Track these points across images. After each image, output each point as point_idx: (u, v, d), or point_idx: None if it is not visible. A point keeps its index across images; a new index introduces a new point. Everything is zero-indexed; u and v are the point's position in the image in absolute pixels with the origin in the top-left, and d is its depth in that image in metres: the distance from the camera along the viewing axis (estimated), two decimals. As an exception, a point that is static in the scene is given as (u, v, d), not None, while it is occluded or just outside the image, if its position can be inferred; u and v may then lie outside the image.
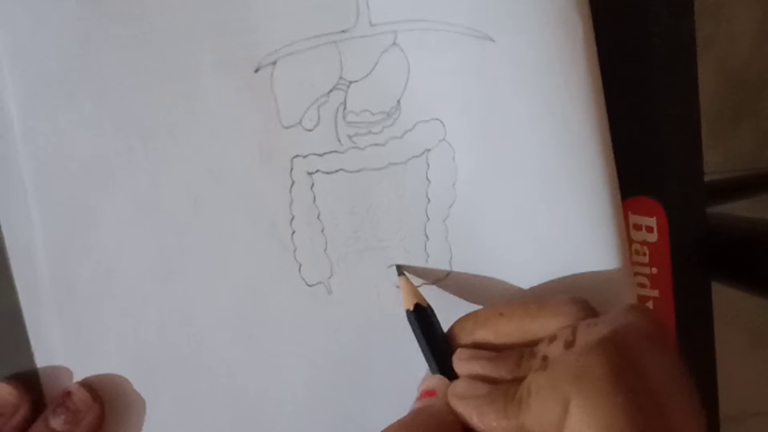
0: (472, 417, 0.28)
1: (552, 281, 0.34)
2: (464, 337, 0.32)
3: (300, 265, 0.34)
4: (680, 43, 0.37)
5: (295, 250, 0.34)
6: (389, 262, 0.35)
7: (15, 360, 0.33)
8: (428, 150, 0.34)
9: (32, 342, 0.33)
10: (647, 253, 0.38)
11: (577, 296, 0.31)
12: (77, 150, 0.32)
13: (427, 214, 0.35)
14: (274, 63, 0.33)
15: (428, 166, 0.34)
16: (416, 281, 0.34)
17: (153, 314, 0.33)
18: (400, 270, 0.34)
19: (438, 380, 0.31)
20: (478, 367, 0.30)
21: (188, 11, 0.32)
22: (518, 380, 0.28)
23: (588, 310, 0.30)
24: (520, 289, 0.34)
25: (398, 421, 0.29)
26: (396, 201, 0.34)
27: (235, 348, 0.34)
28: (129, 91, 0.32)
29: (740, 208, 0.74)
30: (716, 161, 1.02)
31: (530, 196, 0.34)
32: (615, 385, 0.25)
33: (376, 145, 0.34)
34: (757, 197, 0.81)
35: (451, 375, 0.31)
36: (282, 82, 0.33)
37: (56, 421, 0.32)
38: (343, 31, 0.33)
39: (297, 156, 0.34)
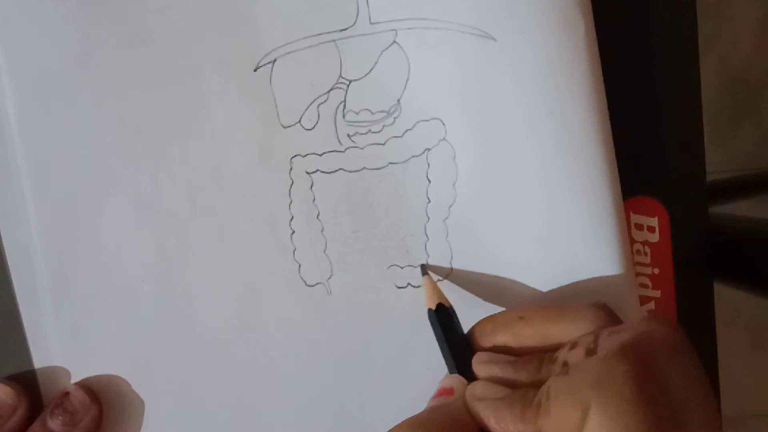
0: (489, 419, 0.28)
1: (554, 279, 0.34)
2: (484, 340, 0.32)
3: (299, 266, 0.34)
4: (682, 43, 0.37)
5: (294, 251, 0.34)
6: (389, 262, 0.34)
7: (13, 361, 0.33)
8: (428, 149, 0.34)
9: (30, 343, 0.33)
10: (649, 253, 0.38)
11: (599, 302, 0.31)
12: (76, 150, 0.32)
13: (427, 214, 0.34)
14: (273, 62, 0.33)
15: (428, 165, 0.34)
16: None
17: (151, 315, 0.33)
18: (424, 269, 0.34)
19: (456, 380, 0.31)
20: (498, 371, 0.30)
21: (188, 11, 0.32)
22: (537, 385, 0.28)
23: (611, 317, 0.30)
24: (524, 286, 0.34)
25: (414, 417, 0.29)
26: (396, 201, 0.34)
27: (234, 348, 0.34)
28: (128, 91, 0.32)
29: (741, 208, 0.74)
30: (717, 161, 1.01)
31: (531, 195, 0.34)
32: (636, 393, 0.25)
33: (376, 144, 0.34)
34: (758, 197, 0.81)
35: (469, 376, 0.31)
36: (281, 81, 0.33)
37: (54, 422, 0.32)
38: (342, 30, 0.33)
39: (296, 155, 0.34)
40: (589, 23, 0.33)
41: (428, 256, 0.35)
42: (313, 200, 0.34)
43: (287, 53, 0.33)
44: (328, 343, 0.34)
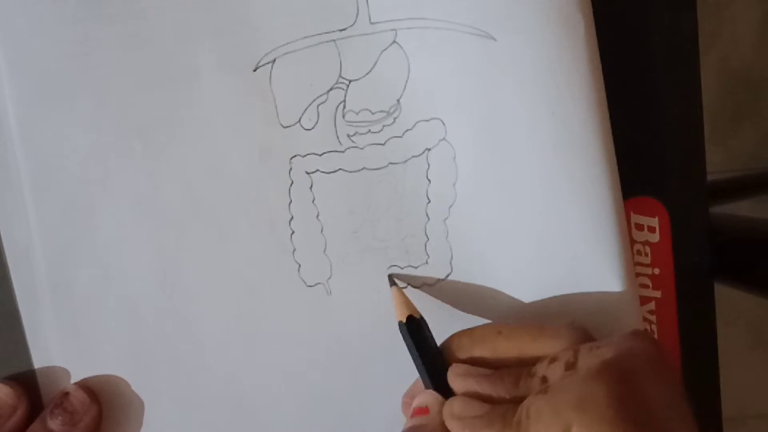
0: None
1: (554, 279, 0.34)
2: (460, 353, 0.31)
3: (299, 266, 0.34)
4: (682, 43, 0.37)
5: (294, 251, 0.34)
6: (389, 262, 0.34)
7: (12, 361, 0.33)
8: (428, 149, 0.34)
9: (30, 343, 0.33)
10: (649, 253, 0.38)
11: (577, 322, 0.31)
12: (76, 150, 0.32)
13: (427, 214, 0.34)
14: (273, 62, 0.33)
15: (428, 165, 0.34)
16: (416, 281, 0.34)
17: (151, 315, 0.33)
18: (392, 280, 0.34)
19: (431, 397, 0.31)
20: (475, 384, 0.30)
21: (187, 10, 0.32)
22: (516, 400, 0.28)
23: (587, 337, 0.30)
24: (514, 300, 0.34)
25: None
26: (396, 201, 0.34)
27: (234, 348, 0.34)
28: (128, 91, 0.32)
29: (741, 208, 0.74)
30: (717, 161, 1.01)
31: (531, 195, 0.34)
32: (618, 413, 0.25)
33: (376, 144, 0.34)
34: (758, 197, 0.81)
35: (444, 391, 0.31)
36: (281, 81, 0.33)
37: (54, 422, 0.32)
38: (342, 30, 0.33)
39: (296, 155, 0.33)
40: (589, 23, 0.33)
41: (428, 256, 0.35)
42: (313, 200, 0.34)
43: (287, 53, 0.33)
44: (328, 343, 0.34)
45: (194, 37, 0.32)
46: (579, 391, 0.26)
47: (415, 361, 0.32)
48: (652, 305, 0.38)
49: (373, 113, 0.34)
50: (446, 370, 0.31)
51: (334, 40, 0.33)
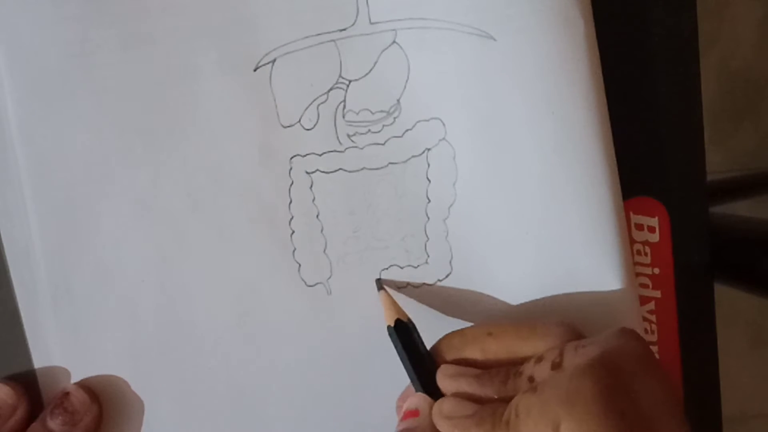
0: None
1: (553, 279, 0.34)
2: (450, 354, 0.32)
3: (299, 266, 0.34)
4: (682, 43, 0.37)
5: (294, 251, 0.34)
6: (389, 262, 0.34)
7: (13, 361, 0.33)
8: (428, 149, 0.34)
9: (30, 342, 0.33)
10: (649, 253, 0.38)
11: (565, 319, 0.31)
12: (76, 150, 0.32)
13: (427, 214, 0.34)
14: (273, 62, 0.33)
15: (428, 165, 0.34)
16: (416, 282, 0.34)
17: (151, 315, 0.33)
18: (380, 284, 0.34)
19: (421, 399, 0.31)
20: (465, 385, 0.30)
21: (187, 11, 0.32)
22: (505, 400, 0.28)
23: (574, 333, 0.30)
24: (513, 300, 0.34)
25: None
26: (396, 201, 0.34)
27: (234, 348, 0.34)
28: (128, 91, 0.32)
29: (741, 209, 0.74)
30: (717, 161, 1.01)
31: (531, 195, 0.34)
32: (606, 408, 0.25)
33: (376, 144, 0.34)
34: (757, 197, 0.81)
35: (434, 393, 0.31)
36: (281, 81, 0.33)
37: (54, 422, 0.32)
38: (342, 30, 0.33)
39: (296, 155, 0.33)
40: (589, 23, 0.33)
41: (428, 256, 0.35)
42: (313, 200, 0.34)
43: (287, 53, 0.33)
44: (328, 343, 0.34)
45: (194, 38, 0.32)
46: (567, 388, 0.26)
47: (404, 365, 0.32)
48: (651, 305, 0.38)
49: (373, 113, 0.34)
50: (435, 372, 0.31)
51: (334, 40, 0.33)
